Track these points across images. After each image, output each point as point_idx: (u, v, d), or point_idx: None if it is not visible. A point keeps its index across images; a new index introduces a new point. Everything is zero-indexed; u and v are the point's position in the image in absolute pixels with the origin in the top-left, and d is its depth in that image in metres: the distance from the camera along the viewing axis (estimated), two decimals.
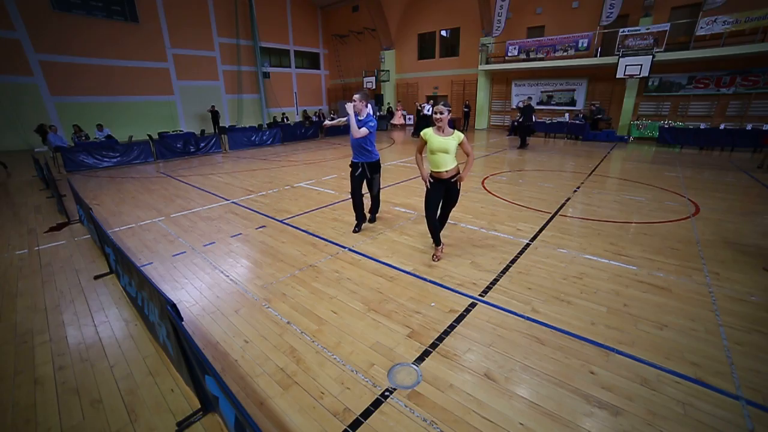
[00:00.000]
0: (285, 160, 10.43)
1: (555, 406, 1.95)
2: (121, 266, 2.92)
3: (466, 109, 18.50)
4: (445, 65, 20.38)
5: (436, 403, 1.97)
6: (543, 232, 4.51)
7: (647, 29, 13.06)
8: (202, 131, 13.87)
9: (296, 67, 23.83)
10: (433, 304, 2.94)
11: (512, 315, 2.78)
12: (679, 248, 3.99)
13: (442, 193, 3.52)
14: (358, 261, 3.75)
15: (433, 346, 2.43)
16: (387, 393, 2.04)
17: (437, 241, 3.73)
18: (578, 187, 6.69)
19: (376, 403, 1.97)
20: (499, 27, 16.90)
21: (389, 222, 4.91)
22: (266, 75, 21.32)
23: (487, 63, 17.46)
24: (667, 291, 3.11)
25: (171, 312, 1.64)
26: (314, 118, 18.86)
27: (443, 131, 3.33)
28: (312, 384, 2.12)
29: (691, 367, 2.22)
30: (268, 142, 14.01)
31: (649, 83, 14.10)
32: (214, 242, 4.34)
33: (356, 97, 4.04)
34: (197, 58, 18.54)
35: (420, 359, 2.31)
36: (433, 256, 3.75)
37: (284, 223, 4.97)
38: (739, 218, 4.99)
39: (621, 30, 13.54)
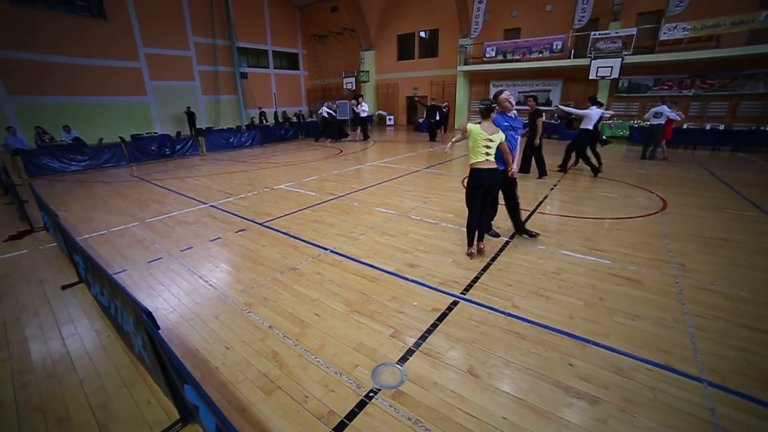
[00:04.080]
0: (264, 162, 10.26)
1: (536, 398, 2.00)
2: (92, 275, 2.79)
3: (445, 110, 18.70)
4: (425, 66, 20.56)
5: (420, 401, 1.99)
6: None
7: (616, 33, 13.61)
8: (178, 133, 13.47)
9: (275, 68, 23.48)
10: (415, 303, 2.96)
11: (493, 312, 2.83)
12: (650, 242, 4.17)
13: None
14: (340, 262, 3.73)
15: (417, 345, 2.45)
16: (371, 394, 2.04)
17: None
18: (555, 185, 6.88)
19: (361, 405, 1.97)
20: (476, 29, 17.21)
21: (370, 222, 4.91)
22: (244, 75, 20.90)
23: (466, 64, 17.74)
24: (639, 283, 3.24)
25: (146, 320, 1.58)
26: (294, 119, 18.65)
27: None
28: (295, 388, 2.09)
29: (661, 355, 2.33)
30: (247, 144, 13.75)
31: (620, 84, 14.70)
32: (192, 247, 4.22)
33: (506, 94, 3.93)
34: (171, 57, 17.96)
35: (404, 359, 2.32)
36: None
37: (264, 225, 4.89)
38: (702, 212, 5.26)
39: (592, 33, 14.05)
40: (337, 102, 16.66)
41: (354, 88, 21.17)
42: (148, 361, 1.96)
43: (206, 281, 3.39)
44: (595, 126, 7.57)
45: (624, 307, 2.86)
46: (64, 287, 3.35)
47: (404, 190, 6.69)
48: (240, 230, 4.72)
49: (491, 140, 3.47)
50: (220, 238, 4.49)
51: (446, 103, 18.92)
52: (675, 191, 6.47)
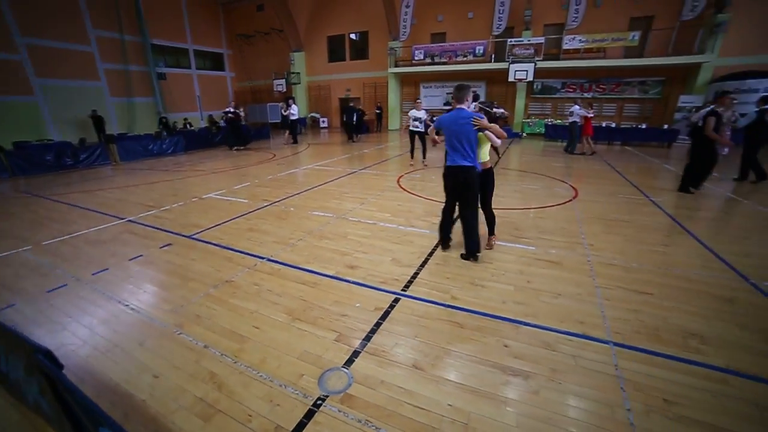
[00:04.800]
0: (190, 169, 9.47)
1: (478, 382, 2.12)
2: None
3: (378, 111, 19.08)
4: (356, 68, 20.70)
5: (369, 401, 1.99)
6: (456, 223, 4.85)
7: (528, 41, 15.11)
8: (82, 140, 11.84)
9: (197, 68, 21.76)
10: (358, 304, 2.96)
11: (434, 305, 2.94)
12: (566, 227, 4.68)
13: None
14: (278, 271, 3.59)
15: (362, 346, 2.45)
16: (319, 402, 1.99)
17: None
18: None
19: (309, 414, 1.91)
20: (405, 32, 17.77)
21: (308, 227, 4.80)
22: (162, 76, 19.02)
23: (396, 66, 18.23)
24: (559, 265, 3.62)
25: (43, 361, 1.36)
26: (222, 123, 17.49)
27: None
28: (238, 408, 1.96)
29: (579, 325, 2.63)
30: (169, 151, 12.57)
31: (534, 87, 16.32)
32: (107, 269, 3.73)
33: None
34: (66, 51, 15.39)
35: (350, 361, 2.31)
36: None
37: (193, 238, 4.51)
38: (605, 198, 6.07)
39: (509, 40, 15.40)
40: (239, 106, 13.79)
41: (285, 89, 20.55)
42: (48, 410, 1.67)
43: (127, 305, 3.03)
44: (490, 121, 8.75)
45: (548, 288, 3.17)
46: None
47: (341, 192, 6.66)
48: (165, 245, 4.30)
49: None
50: (141, 255, 4.04)
51: (378, 104, 19.34)
52: (584, 181, 7.36)
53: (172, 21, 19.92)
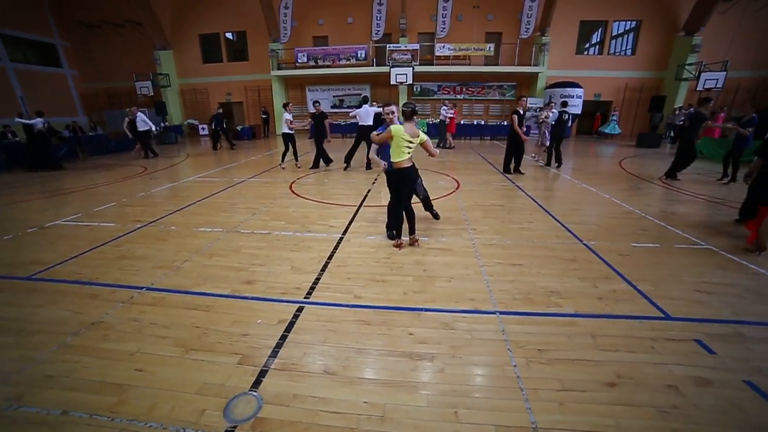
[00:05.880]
0: (21, 192, 7.45)
1: (389, 374, 2.20)
2: None
3: (264, 116, 18.20)
4: (236, 70, 19.30)
5: (283, 420, 1.89)
6: (352, 224, 4.97)
7: (405, 47, 16.34)
8: None
9: (14, 61, 17.02)
10: (259, 320, 2.77)
11: (338, 307, 2.95)
12: (452, 216, 5.21)
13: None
14: (162, 299, 3.11)
15: (269, 363, 2.31)
16: None
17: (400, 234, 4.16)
18: (375, 179, 7.69)
19: None
20: (285, 33, 17.29)
21: (194, 246, 4.29)
22: None
23: (279, 69, 17.61)
24: (450, 251, 4.02)
25: None
26: (66, 133, 14.27)
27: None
28: None
29: (471, 303, 2.96)
30: None
31: (414, 89, 17.75)
32: None
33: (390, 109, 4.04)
34: None
35: (257, 382, 2.15)
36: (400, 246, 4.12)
37: (34, 279, 3.56)
38: (481, 186, 6.98)
39: (388, 45, 16.38)
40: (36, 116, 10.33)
41: (152, 93, 17.86)
42: None
43: None
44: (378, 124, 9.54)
45: (442, 273, 3.49)
46: None
47: (230, 203, 6.14)
48: None
49: (411, 142, 3.73)
50: None
51: (264, 108, 18.47)
52: (463, 173, 8.32)
53: None
